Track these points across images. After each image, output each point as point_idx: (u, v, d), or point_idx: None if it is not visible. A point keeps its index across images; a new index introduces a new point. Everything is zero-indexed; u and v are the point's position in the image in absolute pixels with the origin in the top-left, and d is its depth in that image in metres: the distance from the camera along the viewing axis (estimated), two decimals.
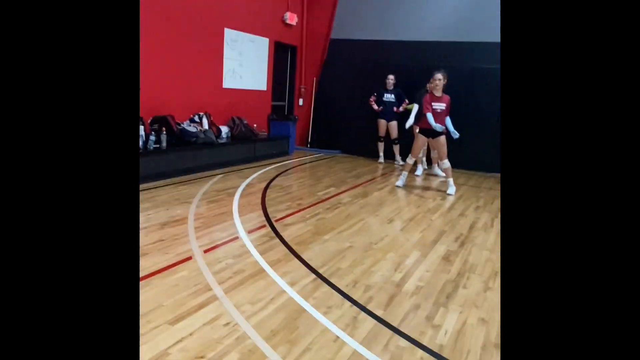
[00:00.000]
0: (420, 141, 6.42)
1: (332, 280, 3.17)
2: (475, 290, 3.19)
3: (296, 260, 3.50)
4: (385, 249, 3.91)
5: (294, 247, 3.77)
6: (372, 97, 8.58)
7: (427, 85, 6.72)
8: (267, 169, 7.30)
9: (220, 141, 7.18)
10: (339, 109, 9.50)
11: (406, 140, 7.91)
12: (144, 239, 3.70)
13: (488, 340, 2.53)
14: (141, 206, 4.54)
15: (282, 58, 9.64)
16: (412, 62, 8.64)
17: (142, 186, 5.38)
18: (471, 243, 4.26)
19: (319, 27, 9.80)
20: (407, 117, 7.78)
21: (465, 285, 3.28)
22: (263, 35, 8.74)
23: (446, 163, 6.34)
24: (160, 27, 6.28)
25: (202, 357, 2.19)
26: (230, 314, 2.61)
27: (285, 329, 2.49)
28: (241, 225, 4.27)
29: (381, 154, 8.79)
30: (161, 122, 6.25)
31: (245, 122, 7.89)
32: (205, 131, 6.83)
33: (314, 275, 3.24)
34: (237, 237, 3.96)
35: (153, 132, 6.03)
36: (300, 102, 10.17)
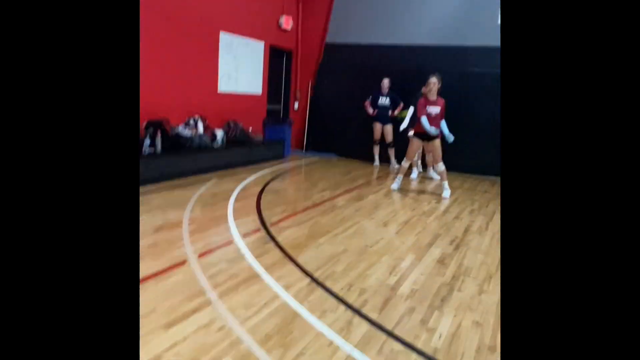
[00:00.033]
0: (415, 145, 6.43)
1: (327, 284, 3.16)
2: (469, 294, 3.19)
3: (291, 264, 3.50)
4: (380, 252, 3.91)
5: (289, 251, 3.76)
6: (367, 100, 8.60)
7: (422, 89, 6.74)
8: (262, 172, 7.29)
9: (215, 145, 7.17)
10: (334, 112, 9.53)
11: (401, 144, 7.93)
12: None
13: (482, 343, 2.53)
14: None
15: (277, 62, 9.65)
16: (407, 66, 8.67)
17: None
18: (466, 246, 4.26)
19: (314, 31, 9.82)
20: (402, 121, 7.85)
21: (460, 288, 3.28)
22: (258, 39, 8.75)
23: (441, 166, 6.36)
24: (155, 31, 6.27)
25: None
26: (224, 318, 2.60)
27: (279, 333, 2.48)
28: (236, 229, 4.26)
29: (376, 157, 8.80)
30: (156, 125, 6.22)
31: (240, 125, 7.88)
32: (200, 135, 6.83)
33: (308, 279, 3.23)
34: (231, 241, 3.95)
35: (148, 136, 6.02)
36: (296, 105, 10.18)
